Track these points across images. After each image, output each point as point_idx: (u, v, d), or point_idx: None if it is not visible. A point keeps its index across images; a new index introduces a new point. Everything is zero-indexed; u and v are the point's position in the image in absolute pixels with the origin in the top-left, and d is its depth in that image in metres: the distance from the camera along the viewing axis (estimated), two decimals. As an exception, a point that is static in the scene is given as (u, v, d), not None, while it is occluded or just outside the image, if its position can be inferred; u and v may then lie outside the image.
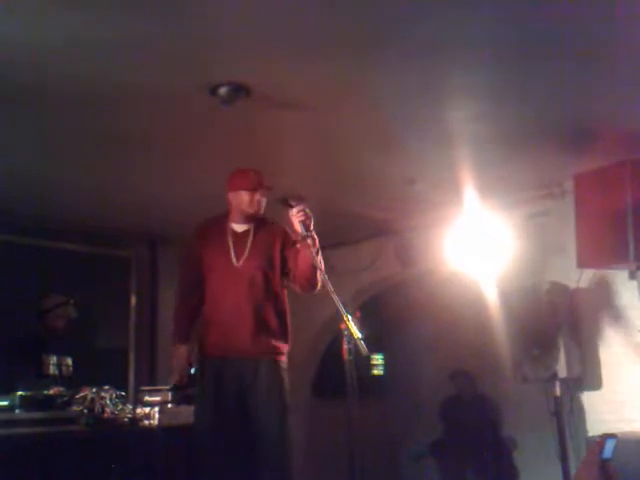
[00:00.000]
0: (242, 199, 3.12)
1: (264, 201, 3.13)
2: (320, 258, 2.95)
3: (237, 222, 3.19)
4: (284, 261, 3.15)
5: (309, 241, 2.86)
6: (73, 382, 4.00)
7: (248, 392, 3.02)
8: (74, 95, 3.16)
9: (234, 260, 3.09)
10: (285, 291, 3.20)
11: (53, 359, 4.15)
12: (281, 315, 3.14)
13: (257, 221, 3.19)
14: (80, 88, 3.10)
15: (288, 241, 3.16)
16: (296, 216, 2.90)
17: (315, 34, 2.73)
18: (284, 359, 3.12)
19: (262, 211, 3.17)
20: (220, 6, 2.51)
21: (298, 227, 2.90)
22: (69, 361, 4.26)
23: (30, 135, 3.62)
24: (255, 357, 3.03)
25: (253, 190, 3.11)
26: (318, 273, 2.95)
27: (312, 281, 3.03)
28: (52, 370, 4.11)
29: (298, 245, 3.02)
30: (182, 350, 3.17)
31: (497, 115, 3.50)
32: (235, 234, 3.16)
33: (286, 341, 3.14)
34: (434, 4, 2.53)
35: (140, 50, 2.80)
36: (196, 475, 3.08)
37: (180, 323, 3.26)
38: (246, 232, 3.17)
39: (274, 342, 3.07)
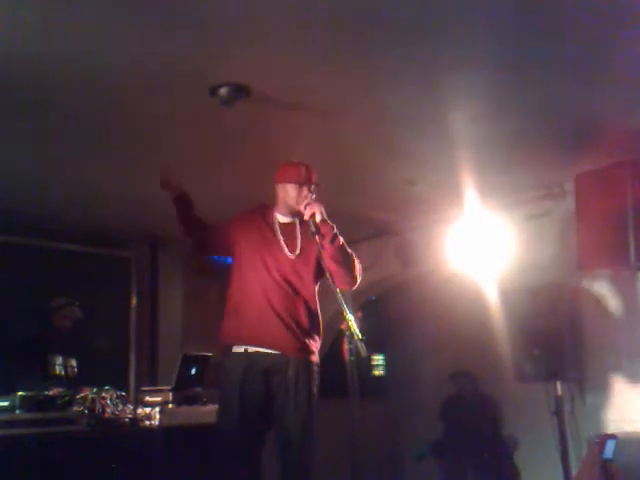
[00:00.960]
0: (289, 193, 3.01)
1: (312, 197, 2.97)
2: (341, 246, 2.87)
3: (282, 214, 3.08)
4: (321, 259, 2.93)
5: (317, 238, 2.79)
6: (77, 383, 3.99)
7: (274, 389, 2.92)
8: (74, 95, 3.16)
9: (287, 252, 2.99)
10: (317, 288, 3.08)
11: (59, 359, 4.15)
12: (315, 312, 3.04)
13: (300, 216, 3.02)
14: (80, 89, 3.10)
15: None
16: (305, 212, 2.83)
17: (315, 35, 2.73)
18: (315, 358, 3.02)
19: (305, 205, 2.95)
20: (220, 6, 2.51)
21: (310, 223, 2.82)
22: (74, 362, 4.25)
23: (30, 135, 3.62)
24: (287, 354, 2.93)
25: (301, 184, 2.99)
26: (347, 264, 2.89)
27: (345, 275, 2.91)
28: (58, 370, 4.10)
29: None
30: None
31: (497, 116, 3.50)
32: (282, 225, 3.07)
33: (315, 339, 3.04)
34: (437, 10, 2.53)
35: (140, 50, 2.80)
36: (216, 468, 2.95)
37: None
38: (292, 225, 3.07)
39: (306, 339, 2.98)
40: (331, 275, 2.76)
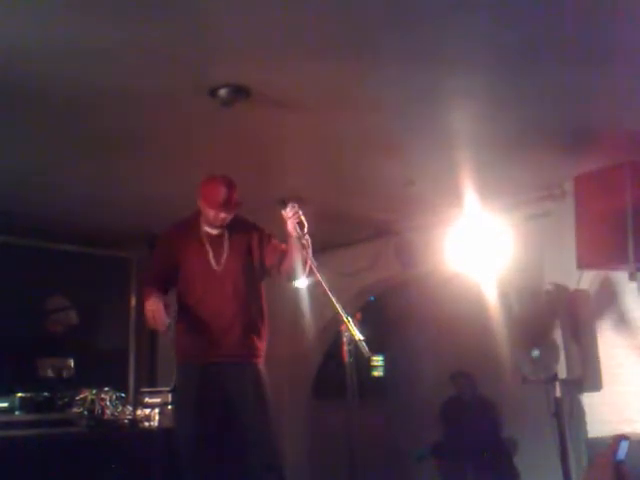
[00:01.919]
0: (207, 212, 3.08)
1: (229, 217, 3.07)
2: (310, 259, 2.93)
3: (209, 226, 3.14)
4: (263, 258, 3.13)
5: (303, 241, 2.84)
6: (73, 384, 3.97)
7: (233, 397, 3.00)
8: (74, 97, 3.16)
9: (213, 264, 3.07)
10: (263, 290, 3.19)
11: (49, 362, 4.09)
12: (261, 315, 3.13)
13: (229, 222, 3.13)
14: (80, 90, 3.10)
15: (264, 237, 3.16)
16: (291, 218, 2.88)
17: (315, 36, 2.73)
18: (262, 361, 3.10)
19: (225, 223, 3.10)
20: (220, 8, 2.51)
21: (292, 228, 2.88)
22: (70, 363, 4.20)
23: (30, 136, 3.62)
24: (239, 361, 3.01)
25: (217, 210, 3.04)
26: (302, 269, 2.98)
27: (296, 275, 3.04)
28: (49, 373, 4.05)
29: (283, 245, 3.05)
30: (153, 300, 2.94)
31: (497, 116, 3.50)
32: (210, 237, 3.13)
33: (264, 342, 3.13)
34: (434, 7, 2.53)
35: (140, 52, 2.79)
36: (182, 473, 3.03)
37: (149, 291, 3.04)
38: (221, 235, 3.14)
39: (257, 344, 3.07)
40: (282, 272, 3.04)
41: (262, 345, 3.10)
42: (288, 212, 2.89)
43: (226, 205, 3.02)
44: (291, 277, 3.10)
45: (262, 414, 2.99)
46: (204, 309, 3.05)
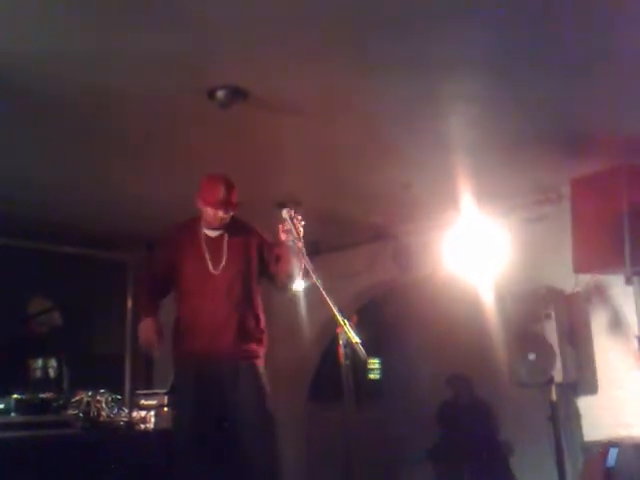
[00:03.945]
0: (206, 212, 3.08)
1: (227, 217, 3.06)
2: (305, 263, 2.90)
3: (208, 228, 3.14)
4: (262, 262, 3.14)
5: (295, 248, 2.83)
6: (60, 384, 3.95)
7: (228, 397, 3.00)
8: (72, 99, 3.16)
9: (211, 268, 3.06)
10: (260, 293, 3.19)
11: (38, 363, 4.09)
12: (257, 318, 3.14)
13: (229, 225, 3.12)
14: (78, 92, 3.10)
15: (264, 241, 3.16)
16: (288, 227, 2.85)
17: (314, 39, 2.74)
18: (262, 363, 3.11)
19: (224, 224, 3.09)
20: (218, 9, 2.52)
21: (284, 235, 2.86)
22: (53, 362, 4.18)
23: (29, 138, 3.62)
24: (235, 362, 3.02)
25: (215, 209, 3.04)
26: (295, 277, 3.02)
27: (288, 284, 3.10)
28: (39, 374, 4.03)
29: (276, 250, 3.06)
30: (148, 321, 3.07)
31: (494, 121, 3.51)
32: (209, 240, 3.12)
33: (263, 344, 3.13)
34: (433, 11, 2.54)
35: (138, 54, 2.80)
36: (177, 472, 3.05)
37: (146, 299, 3.18)
38: (220, 237, 3.12)
39: (253, 346, 3.08)
40: (276, 280, 3.08)
41: (258, 347, 3.10)
42: (286, 222, 2.85)
43: (225, 204, 3.02)
44: (285, 283, 3.12)
45: (258, 414, 2.98)
46: (200, 310, 3.06)
